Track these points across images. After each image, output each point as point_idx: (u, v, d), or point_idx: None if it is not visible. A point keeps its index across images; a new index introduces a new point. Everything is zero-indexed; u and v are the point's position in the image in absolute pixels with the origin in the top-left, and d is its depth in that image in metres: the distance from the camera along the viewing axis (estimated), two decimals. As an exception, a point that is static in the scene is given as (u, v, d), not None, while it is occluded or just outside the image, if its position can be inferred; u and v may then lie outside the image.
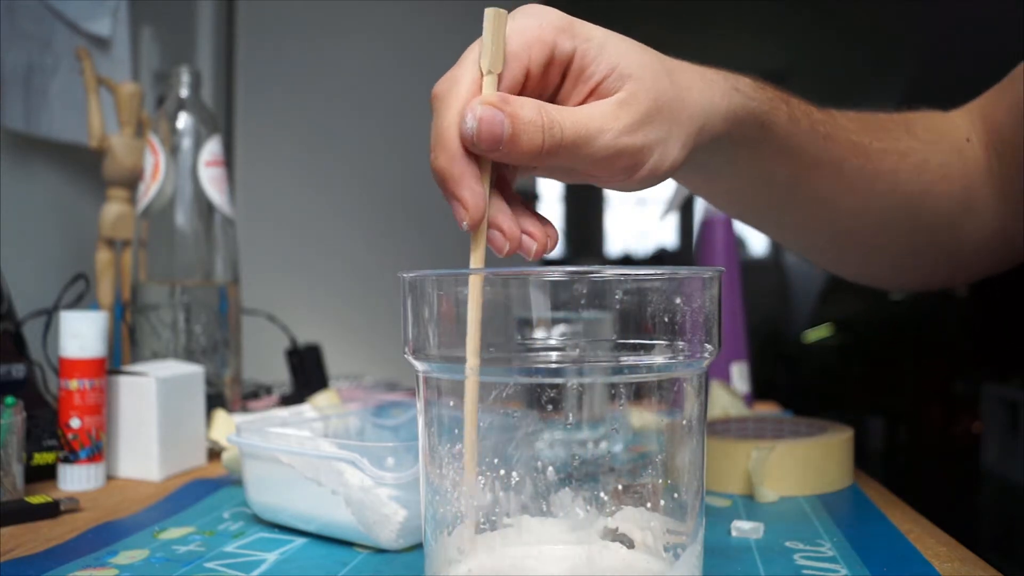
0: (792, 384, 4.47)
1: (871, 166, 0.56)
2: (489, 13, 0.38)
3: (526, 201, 0.42)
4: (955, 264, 0.63)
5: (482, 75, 0.38)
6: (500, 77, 0.38)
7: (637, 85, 0.40)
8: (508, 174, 0.42)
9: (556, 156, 0.39)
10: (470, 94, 0.38)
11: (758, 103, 0.48)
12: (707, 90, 0.44)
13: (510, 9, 0.40)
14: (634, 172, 0.42)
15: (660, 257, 5.36)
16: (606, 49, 0.40)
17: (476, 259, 0.38)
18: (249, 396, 0.97)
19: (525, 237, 0.40)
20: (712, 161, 0.48)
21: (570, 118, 0.39)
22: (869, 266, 0.64)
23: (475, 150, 0.37)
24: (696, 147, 0.44)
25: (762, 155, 0.50)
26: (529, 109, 0.38)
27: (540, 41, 0.39)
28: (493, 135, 0.37)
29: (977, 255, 0.61)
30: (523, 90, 0.40)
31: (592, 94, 0.40)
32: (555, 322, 0.34)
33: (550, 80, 0.41)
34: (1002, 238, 0.60)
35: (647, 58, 0.41)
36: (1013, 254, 0.61)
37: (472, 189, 0.38)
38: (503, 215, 0.39)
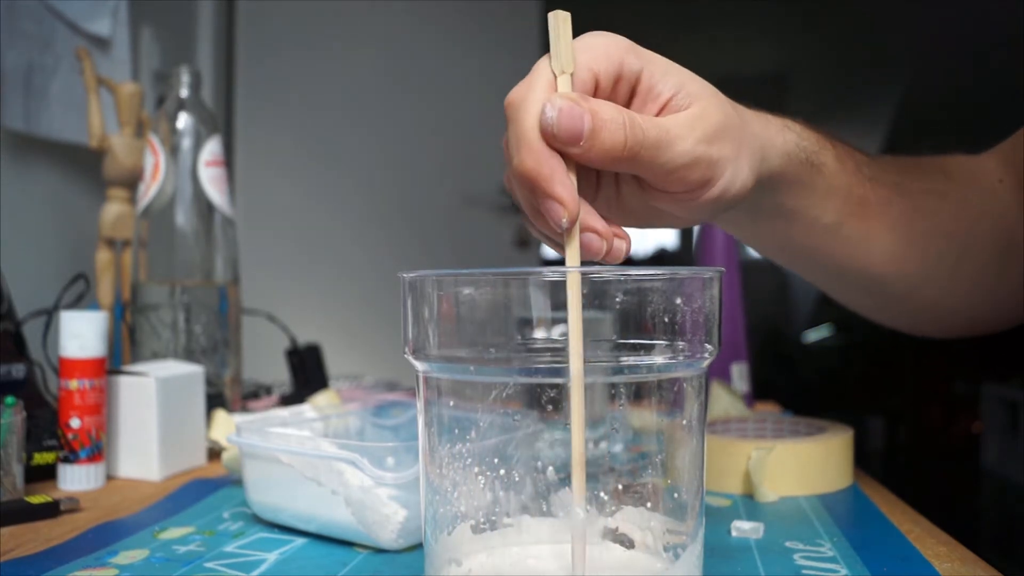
0: (792, 384, 4.46)
1: (913, 206, 0.56)
2: (552, 16, 0.38)
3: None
4: (999, 309, 0.62)
5: (555, 77, 0.38)
6: (573, 79, 0.38)
7: (707, 103, 0.41)
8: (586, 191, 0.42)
9: (637, 159, 0.39)
10: (547, 95, 0.37)
11: (809, 143, 0.49)
12: (764, 124, 0.46)
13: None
14: (707, 188, 0.42)
15: (660, 257, 5.36)
16: (671, 70, 0.41)
17: (572, 259, 0.37)
18: (249, 396, 0.97)
19: (616, 239, 0.39)
20: (765, 201, 0.49)
21: (650, 121, 0.39)
22: (913, 315, 0.63)
23: (556, 144, 0.37)
24: (759, 177, 0.44)
25: (813, 195, 0.51)
26: (609, 107, 0.38)
27: (608, 57, 0.39)
28: (574, 127, 0.36)
29: (1015, 300, 0.60)
30: None
31: (662, 111, 0.41)
32: (555, 322, 0.34)
33: (619, 97, 0.41)
34: None
35: (708, 84, 0.42)
36: None
37: (565, 184, 0.37)
38: (593, 217, 0.39)
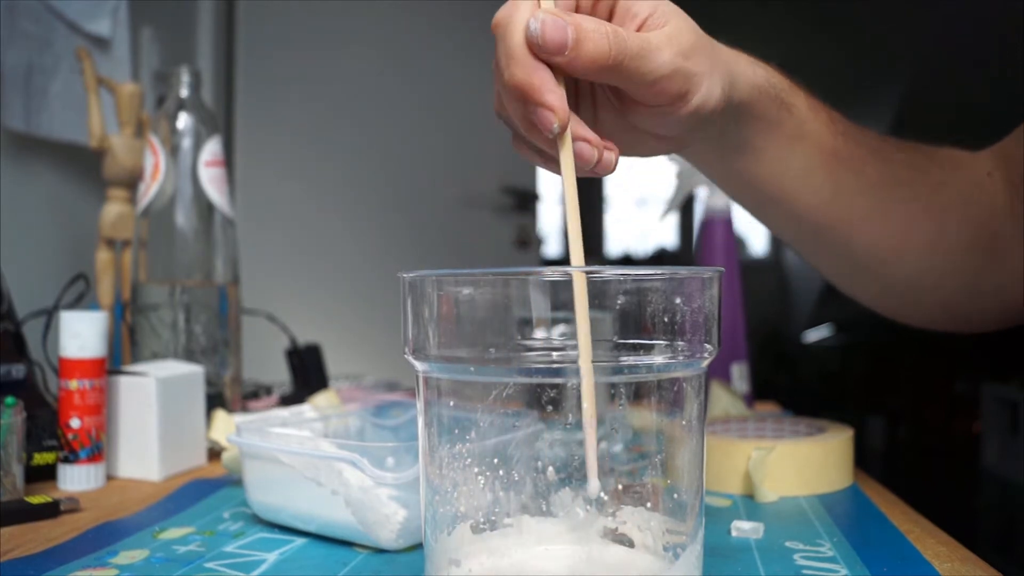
0: (792, 384, 4.47)
1: (891, 172, 0.56)
2: None
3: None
4: (980, 304, 0.61)
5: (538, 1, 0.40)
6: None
7: (681, 22, 0.43)
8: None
9: (621, 68, 0.40)
10: (532, 12, 0.39)
11: (778, 82, 0.51)
12: (734, 55, 0.48)
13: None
14: (684, 101, 0.43)
15: (660, 257, 5.36)
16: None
17: (565, 165, 0.39)
18: (249, 396, 0.97)
19: (606, 150, 0.41)
20: (732, 132, 0.50)
21: (631, 33, 0.41)
22: (885, 292, 0.63)
23: (543, 55, 0.39)
24: (728, 101, 0.46)
25: (781, 134, 0.52)
26: (590, 19, 0.40)
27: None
28: (559, 37, 0.38)
29: (998, 300, 0.60)
30: None
31: (640, 29, 0.43)
32: (555, 322, 0.34)
33: (599, 15, 0.43)
34: None
35: (680, 9, 0.44)
36: None
37: (554, 92, 0.39)
38: (583, 127, 0.41)
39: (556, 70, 0.39)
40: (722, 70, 0.45)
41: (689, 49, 0.43)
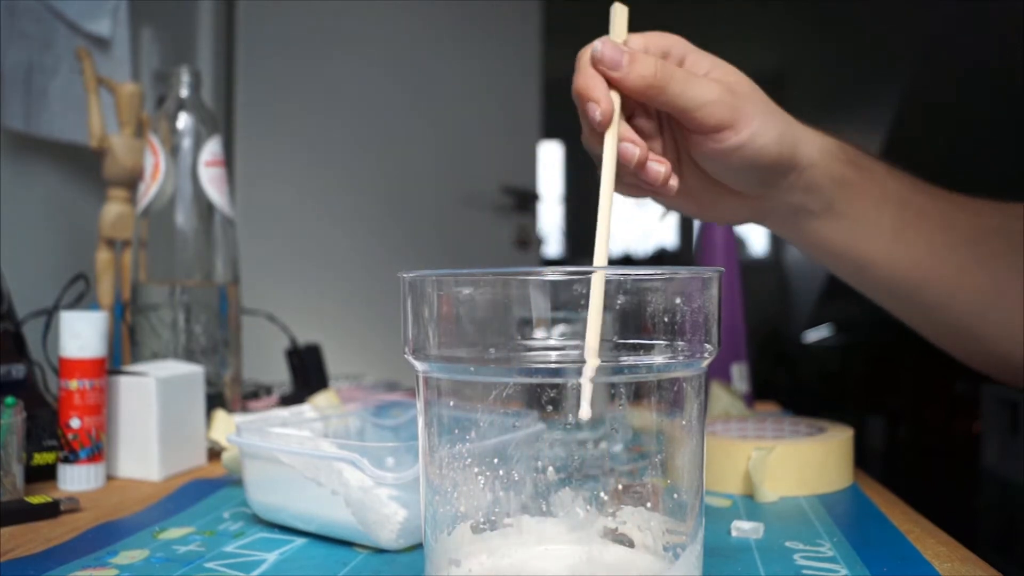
0: (792, 384, 4.47)
1: (980, 224, 0.56)
2: (612, 8, 0.50)
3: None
4: None
5: None
6: (627, 44, 0.49)
7: (739, 76, 0.50)
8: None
9: (666, 90, 0.48)
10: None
11: (849, 148, 0.55)
12: (800, 124, 0.52)
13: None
14: (733, 131, 0.49)
15: (660, 257, 5.36)
16: (716, 60, 0.51)
17: (608, 150, 0.46)
18: (249, 396, 0.97)
19: (654, 162, 0.48)
20: (816, 199, 0.54)
21: (681, 70, 0.49)
22: (983, 349, 0.61)
23: (600, 68, 0.47)
24: (793, 159, 0.51)
25: (866, 197, 0.55)
26: (645, 55, 0.48)
27: (660, 36, 0.50)
28: (615, 56, 0.47)
29: None
30: None
31: None
32: (555, 322, 0.34)
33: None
34: None
35: (741, 72, 0.51)
36: None
37: (603, 91, 0.47)
38: (631, 132, 0.49)
39: (614, 86, 0.47)
40: (780, 123, 0.50)
41: (738, 89, 0.49)
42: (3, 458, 0.55)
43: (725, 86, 0.49)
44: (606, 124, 0.46)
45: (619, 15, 0.50)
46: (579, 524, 0.37)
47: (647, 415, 0.36)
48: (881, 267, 0.57)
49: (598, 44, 0.47)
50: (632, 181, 0.51)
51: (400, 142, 2.00)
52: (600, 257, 0.41)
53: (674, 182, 0.50)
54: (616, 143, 0.46)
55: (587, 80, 0.47)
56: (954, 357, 0.64)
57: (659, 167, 0.49)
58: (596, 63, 0.47)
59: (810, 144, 0.52)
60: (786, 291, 5.39)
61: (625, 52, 0.47)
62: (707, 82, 0.48)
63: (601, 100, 0.47)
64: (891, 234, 0.55)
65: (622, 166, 0.48)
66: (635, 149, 0.47)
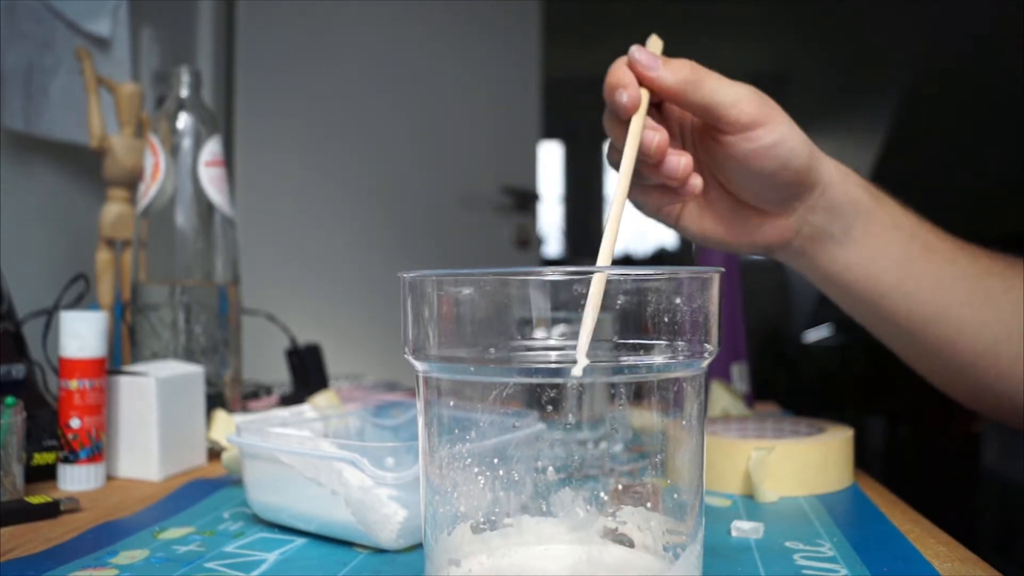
0: (792, 384, 4.46)
1: (982, 265, 0.57)
2: (651, 38, 0.52)
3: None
4: None
5: None
6: None
7: (773, 109, 0.51)
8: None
9: (699, 89, 0.49)
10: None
11: (863, 179, 0.56)
12: (816, 148, 0.54)
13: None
14: (765, 129, 0.50)
15: (660, 257, 5.35)
16: (744, 87, 0.51)
17: (633, 130, 0.48)
18: (249, 396, 0.97)
19: (674, 155, 0.49)
20: (834, 223, 0.55)
21: (713, 72, 0.50)
22: (984, 390, 0.61)
23: (635, 67, 0.49)
24: (815, 176, 0.53)
25: (880, 224, 0.56)
26: (678, 60, 0.50)
27: (691, 67, 0.50)
28: (649, 59, 0.49)
29: None
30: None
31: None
32: (555, 322, 0.34)
33: None
34: None
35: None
36: None
37: (632, 83, 0.49)
38: (654, 124, 0.50)
39: (646, 85, 0.49)
40: (806, 142, 0.52)
41: (769, 102, 0.51)
42: (3, 458, 0.55)
43: (755, 91, 0.51)
44: (632, 109, 0.48)
45: (654, 45, 0.52)
46: (579, 524, 0.37)
47: (647, 415, 0.36)
48: (895, 299, 0.57)
49: (634, 49, 0.49)
50: (654, 181, 0.52)
51: (400, 142, 2.00)
52: (605, 254, 0.40)
53: (697, 180, 0.51)
54: (640, 131, 0.48)
55: (619, 73, 0.49)
56: (954, 399, 0.64)
57: (679, 158, 0.49)
58: (630, 63, 0.49)
59: (827, 163, 0.54)
60: (786, 291, 5.39)
61: (660, 59, 0.49)
62: (737, 83, 0.50)
63: (629, 86, 0.48)
64: (903, 265, 0.56)
65: (642, 161, 0.49)
66: (655, 134, 0.48)
